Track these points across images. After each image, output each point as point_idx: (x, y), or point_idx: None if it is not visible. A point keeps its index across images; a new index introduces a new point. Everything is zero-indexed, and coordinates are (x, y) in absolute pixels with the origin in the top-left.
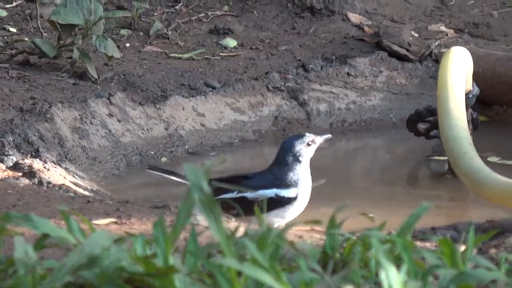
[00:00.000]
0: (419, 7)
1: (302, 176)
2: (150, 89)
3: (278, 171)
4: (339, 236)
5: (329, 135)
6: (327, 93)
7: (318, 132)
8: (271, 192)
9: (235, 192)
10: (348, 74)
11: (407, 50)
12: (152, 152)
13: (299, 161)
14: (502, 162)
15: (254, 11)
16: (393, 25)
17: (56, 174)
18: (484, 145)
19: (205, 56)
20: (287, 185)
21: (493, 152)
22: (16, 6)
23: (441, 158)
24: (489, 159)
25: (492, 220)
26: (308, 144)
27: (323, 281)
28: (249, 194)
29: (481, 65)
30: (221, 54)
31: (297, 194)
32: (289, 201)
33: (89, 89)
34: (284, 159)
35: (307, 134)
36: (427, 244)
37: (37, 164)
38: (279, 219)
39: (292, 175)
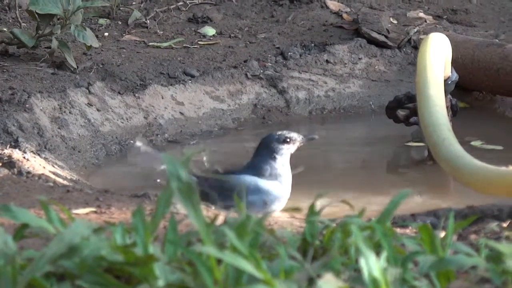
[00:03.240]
0: None
1: (282, 171)
2: (129, 78)
3: (258, 165)
4: (319, 223)
5: (315, 136)
6: (306, 80)
7: (298, 120)
8: (254, 188)
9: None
10: (327, 61)
11: (386, 37)
12: (132, 141)
13: (278, 158)
14: (482, 147)
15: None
16: (371, 12)
17: (35, 164)
18: (463, 131)
19: (184, 45)
20: (267, 178)
21: (473, 138)
22: None
23: (415, 144)
24: (472, 143)
25: (472, 206)
26: (287, 142)
27: (303, 269)
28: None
29: (460, 51)
30: (200, 42)
31: (277, 188)
32: (269, 194)
33: (68, 79)
34: (263, 155)
35: (287, 132)
36: (407, 231)
37: (16, 154)
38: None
39: (272, 170)
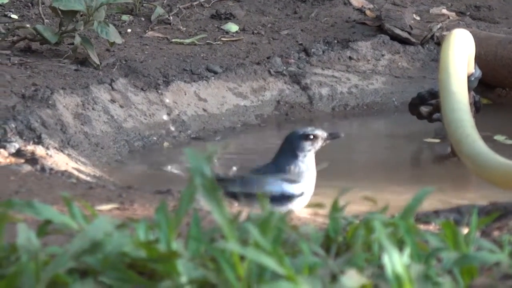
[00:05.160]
0: None
1: (307, 169)
2: (152, 75)
3: (281, 164)
4: (342, 220)
5: (341, 135)
6: (329, 77)
7: (321, 116)
8: (277, 188)
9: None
10: (350, 58)
11: (409, 33)
12: (155, 138)
13: (301, 155)
14: (505, 142)
15: None
16: (394, 8)
17: (58, 160)
18: (486, 127)
19: (207, 41)
20: (293, 179)
21: (496, 134)
22: None
23: (432, 140)
24: (495, 137)
25: (495, 203)
26: (311, 139)
27: (326, 265)
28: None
29: (483, 47)
30: (222, 39)
31: (302, 188)
32: (294, 195)
33: (91, 75)
34: (287, 153)
35: (311, 129)
36: (430, 227)
37: (39, 150)
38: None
39: (297, 169)
